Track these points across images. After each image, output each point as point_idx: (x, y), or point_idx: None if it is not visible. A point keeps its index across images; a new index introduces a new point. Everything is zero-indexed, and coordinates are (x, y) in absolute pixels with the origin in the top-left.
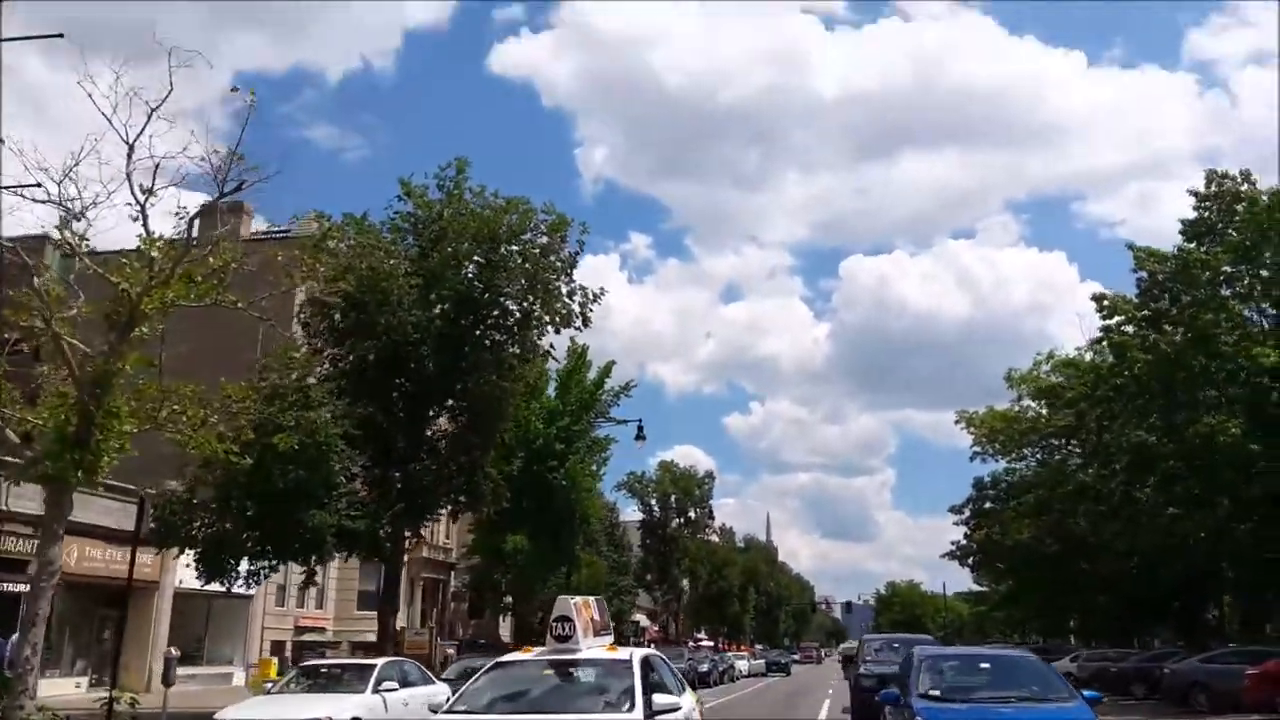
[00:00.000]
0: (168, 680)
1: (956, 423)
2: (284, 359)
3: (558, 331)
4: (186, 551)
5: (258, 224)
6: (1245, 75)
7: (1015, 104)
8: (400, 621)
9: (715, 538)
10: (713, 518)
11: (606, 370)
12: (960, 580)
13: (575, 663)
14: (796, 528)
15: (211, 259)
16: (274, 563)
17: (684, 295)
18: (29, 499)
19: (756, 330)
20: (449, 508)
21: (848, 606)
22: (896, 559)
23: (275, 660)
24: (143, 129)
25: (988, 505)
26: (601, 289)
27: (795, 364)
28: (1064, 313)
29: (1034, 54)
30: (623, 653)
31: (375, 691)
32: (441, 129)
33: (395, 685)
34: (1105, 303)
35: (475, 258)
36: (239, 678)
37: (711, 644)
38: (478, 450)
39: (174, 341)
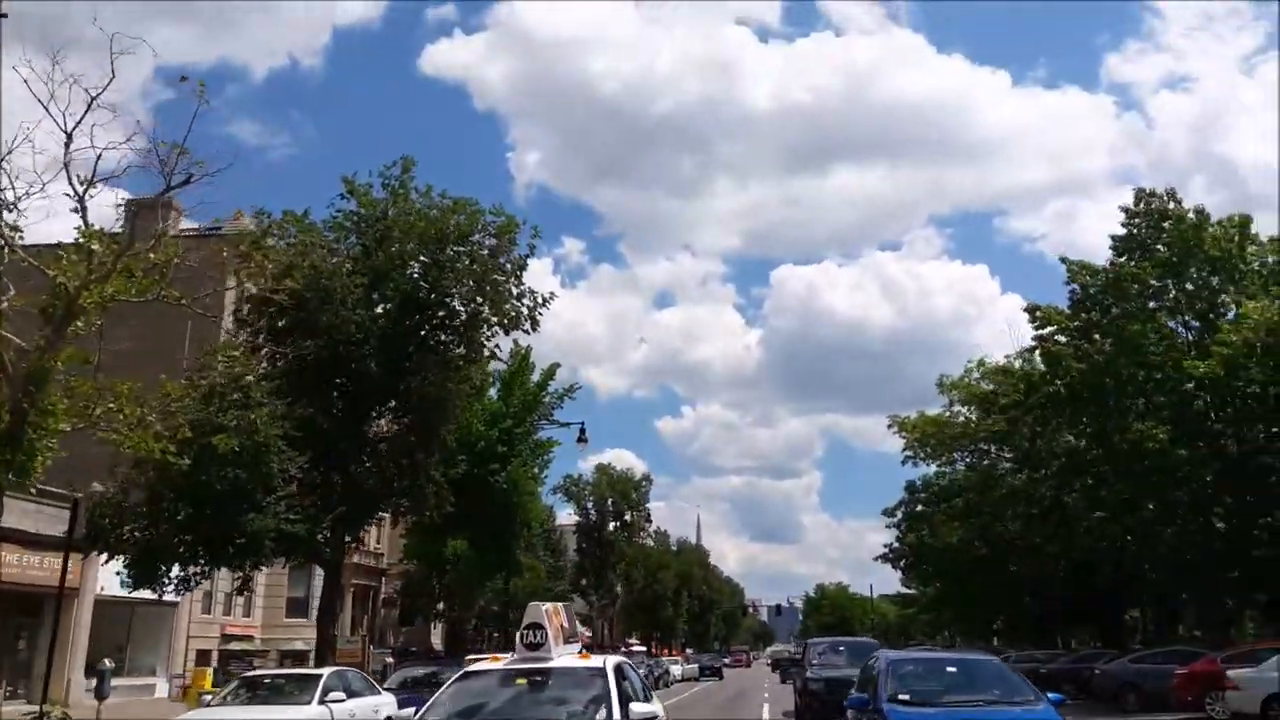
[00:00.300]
0: (101, 693)
1: (889, 427)
2: (224, 356)
3: (507, 333)
4: (115, 557)
5: (186, 222)
6: (1160, 99)
7: (942, 120)
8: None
9: (650, 541)
10: (650, 521)
11: (550, 373)
12: (887, 583)
13: (548, 671)
14: (726, 530)
15: (153, 254)
16: (207, 568)
17: (617, 300)
18: None
19: (689, 336)
20: (391, 511)
21: (777, 609)
22: (822, 561)
23: (209, 670)
24: (82, 117)
25: (919, 509)
26: (551, 293)
27: (727, 369)
28: (986, 323)
29: (961, 71)
30: (596, 660)
31: (321, 702)
32: (371, 128)
33: (342, 696)
34: (1038, 313)
35: (421, 258)
36: (162, 689)
37: (644, 648)
38: (421, 452)
39: (106, 339)
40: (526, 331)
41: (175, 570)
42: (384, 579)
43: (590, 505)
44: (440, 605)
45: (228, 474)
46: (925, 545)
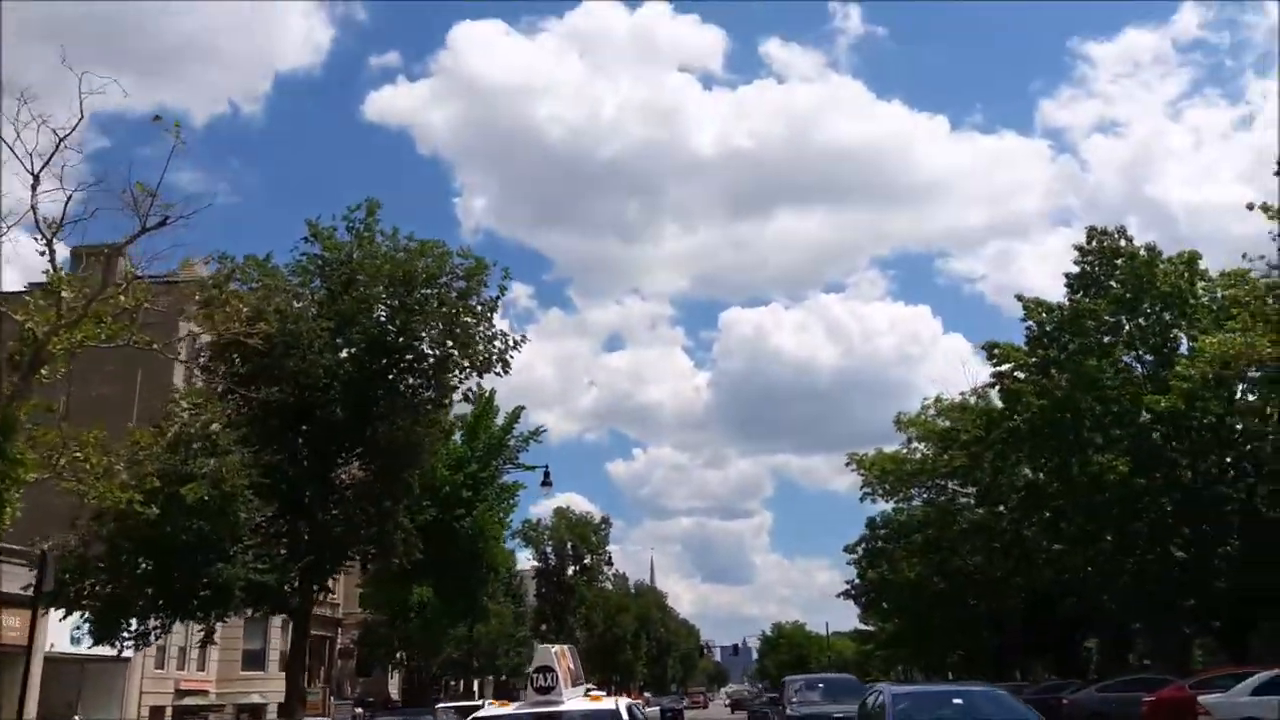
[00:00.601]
0: None
1: (847, 464)
2: (189, 403)
3: (480, 376)
4: (73, 612)
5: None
6: (1092, 142)
7: (882, 164)
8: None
9: (609, 584)
10: (610, 564)
11: (515, 415)
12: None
13: (564, 715)
14: (678, 572)
15: (123, 298)
16: (170, 621)
17: (566, 344)
18: None
19: (638, 379)
20: (360, 559)
21: (734, 649)
22: (774, 601)
23: None
24: (50, 158)
25: (879, 544)
26: (523, 335)
27: (676, 411)
28: (930, 362)
29: (900, 116)
30: (609, 703)
31: None
32: (314, 175)
33: None
34: (996, 350)
35: (388, 301)
36: None
37: (602, 693)
38: (388, 499)
39: (65, 389)
40: (498, 374)
41: (135, 624)
42: (340, 629)
43: (549, 549)
44: (400, 654)
45: (193, 524)
46: (886, 581)
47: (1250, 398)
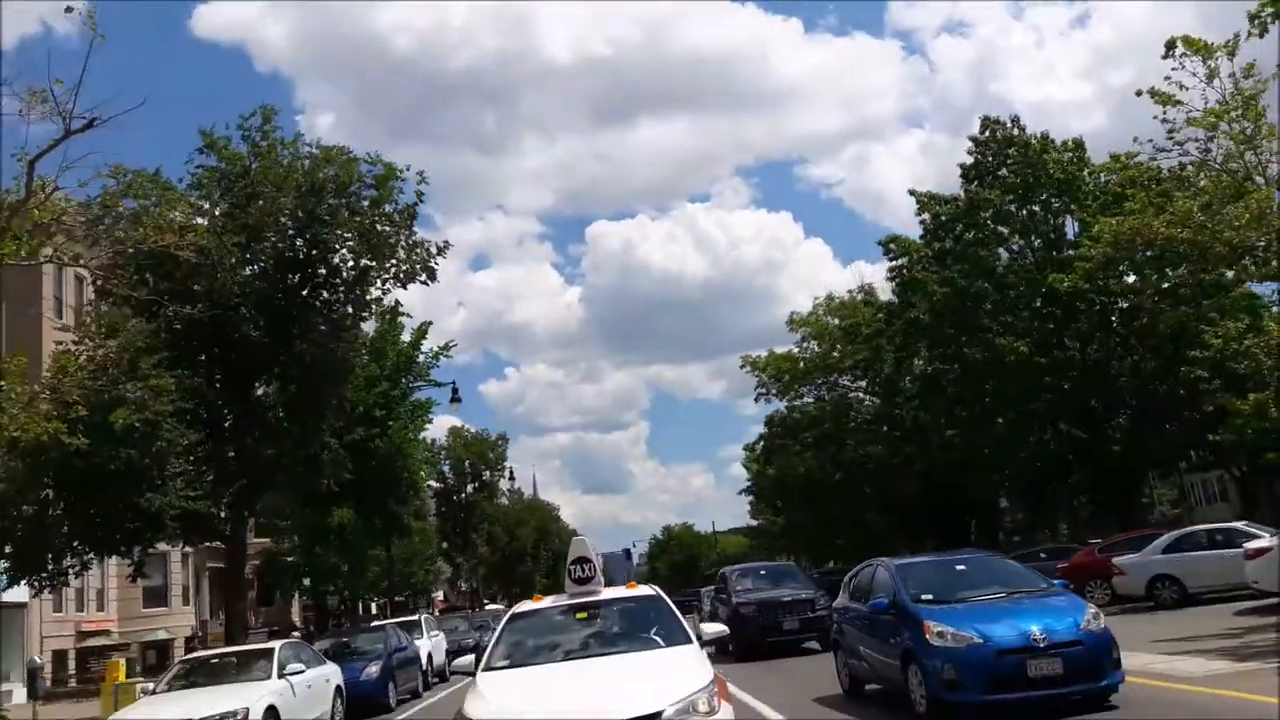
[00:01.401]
0: (36, 692)
1: (742, 367)
2: (104, 326)
3: (404, 287)
4: None
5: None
6: (940, 43)
7: (740, 71)
8: (195, 616)
9: (505, 500)
10: (513, 478)
11: (421, 331)
12: (723, 519)
13: (609, 602)
14: (558, 486)
15: (37, 212)
16: (92, 556)
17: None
18: None
19: (508, 297)
20: (287, 481)
21: (626, 553)
22: (652, 508)
23: (122, 661)
24: None
25: (777, 442)
26: (446, 242)
27: (549, 328)
28: (794, 267)
29: (755, 21)
30: (644, 589)
31: (281, 676)
32: (145, 97)
33: (300, 666)
34: (893, 245)
35: (297, 213)
36: (20, 694)
37: (500, 606)
38: (313, 418)
39: None
40: (424, 283)
41: (53, 563)
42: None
43: (447, 468)
44: (307, 580)
45: (121, 452)
46: (783, 477)
47: (1129, 278)
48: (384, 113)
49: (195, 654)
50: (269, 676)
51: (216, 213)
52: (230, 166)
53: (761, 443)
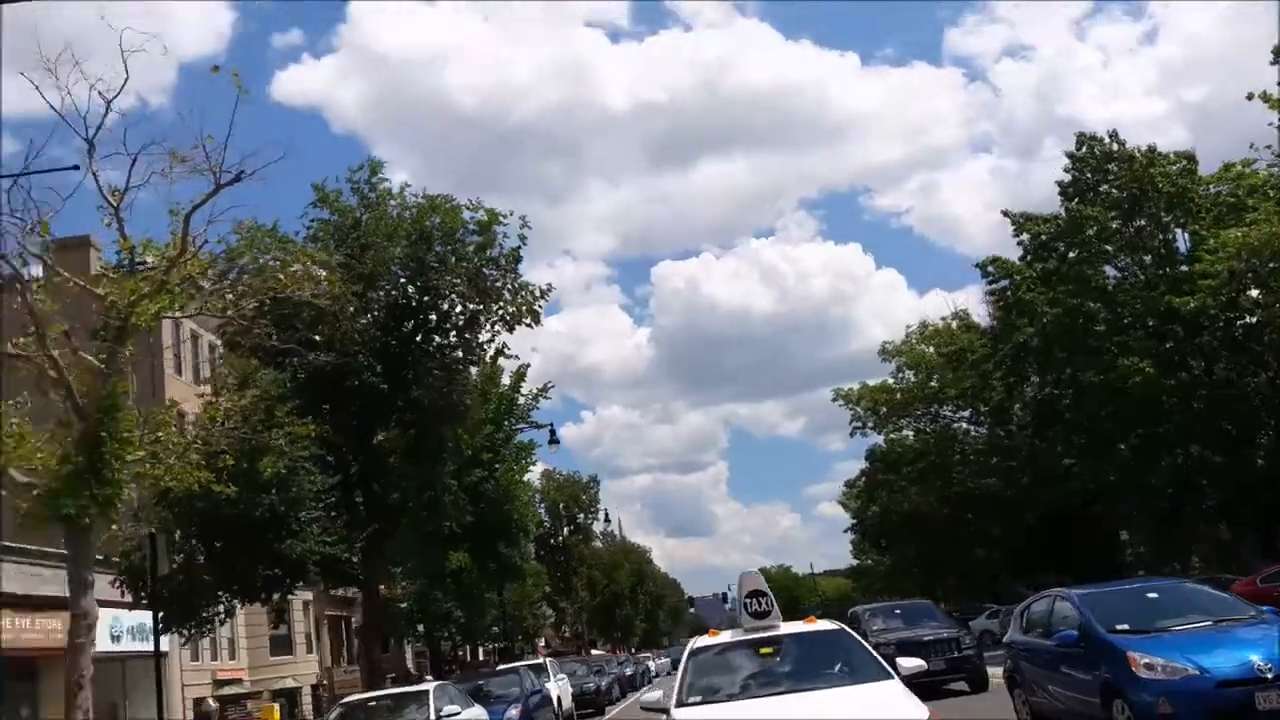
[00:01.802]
0: None
1: (834, 400)
2: (243, 377)
3: (511, 330)
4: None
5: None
6: (1001, 67)
7: (798, 106)
8: (317, 663)
9: (599, 543)
10: (608, 520)
11: (521, 374)
12: (818, 559)
13: (793, 637)
14: (640, 529)
15: (189, 266)
16: (237, 603)
17: None
18: None
19: (579, 340)
20: (414, 526)
21: (723, 597)
22: (737, 549)
23: (276, 706)
24: (103, 120)
25: (879, 477)
26: (549, 285)
27: (620, 370)
28: (867, 297)
29: (810, 57)
30: (826, 623)
31: (439, 716)
32: (229, 162)
33: (456, 709)
34: (992, 268)
35: (407, 261)
36: None
37: (603, 651)
38: (432, 462)
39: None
40: (529, 326)
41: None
42: (354, 607)
43: (543, 510)
44: (420, 626)
45: (264, 500)
46: (889, 514)
47: (1253, 292)
48: (455, 167)
49: (351, 698)
50: (429, 716)
51: (333, 263)
52: (343, 219)
53: (862, 479)
